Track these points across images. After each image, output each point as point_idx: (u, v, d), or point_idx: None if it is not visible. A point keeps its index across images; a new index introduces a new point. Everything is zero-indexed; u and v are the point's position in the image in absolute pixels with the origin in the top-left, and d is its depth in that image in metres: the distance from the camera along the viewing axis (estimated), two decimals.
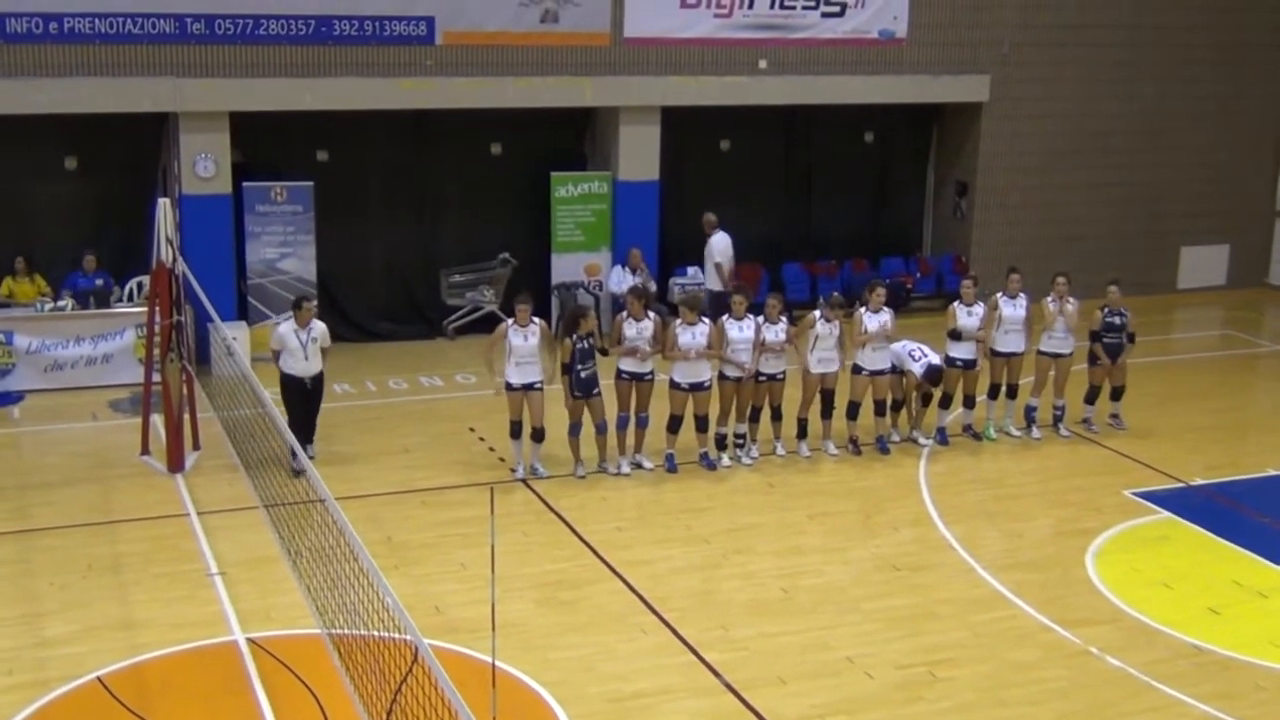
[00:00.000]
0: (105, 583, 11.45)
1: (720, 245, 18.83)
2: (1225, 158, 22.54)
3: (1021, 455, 15.09)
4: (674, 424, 14.05)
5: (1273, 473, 14.57)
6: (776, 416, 14.54)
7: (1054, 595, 11.53)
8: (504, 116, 18.94)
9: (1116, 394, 15.67)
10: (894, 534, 12.87)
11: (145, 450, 14.49)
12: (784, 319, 14.23)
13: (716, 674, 10.20)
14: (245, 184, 17.83)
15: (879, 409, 14.80)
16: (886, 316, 14.55)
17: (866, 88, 20.18)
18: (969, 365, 14.92)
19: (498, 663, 8.91)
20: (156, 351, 14.14)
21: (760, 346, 13.99)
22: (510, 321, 13.63)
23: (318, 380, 13.81)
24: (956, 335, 14.86)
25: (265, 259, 18.00)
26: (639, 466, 14.15)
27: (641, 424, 14.04)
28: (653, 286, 19.16)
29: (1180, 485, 14.20)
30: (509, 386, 13.56)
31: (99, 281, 17.09)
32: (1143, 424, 15.75)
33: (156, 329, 14.03)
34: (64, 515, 12.80)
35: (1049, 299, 15.34)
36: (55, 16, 16.64)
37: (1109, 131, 21.64)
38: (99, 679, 9.97)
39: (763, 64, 19.67)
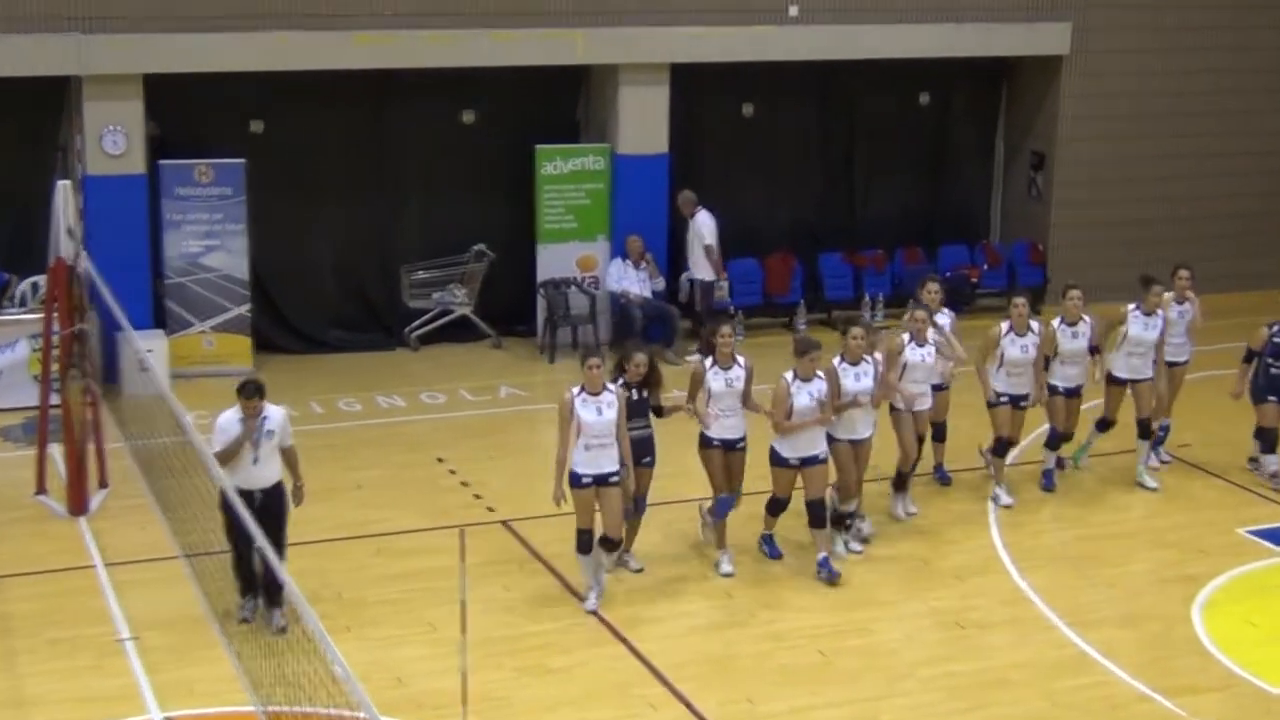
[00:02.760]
0: None
1: (710, 225, 19.03)
2: None
3: (1111, 486, 15.06)
4: (775, 508, 13.02)
5: None
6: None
7: (1153, 656, 11.50)
8: (478, 78, 18.96)
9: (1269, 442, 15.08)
10: (957, 584, 12.85)
11: (41, 489, 14.41)
12: (870, 356, 13.16)
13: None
14: (163, 162, 17.83)
15: (936, 433, 14.70)
16: (947, 319, 14.36)
17: (920, 39, 20.15)
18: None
19: None
20: (55, 368, 14.11)
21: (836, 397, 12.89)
22: (576, 389, 12.13)
23: (274, 496, 11.45)
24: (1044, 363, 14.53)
25: (187, 253, 17.98)
26: (717, 568, 12.94)
27: (724, 509, 12.93)
28: (661, 284, 19.17)
29: None
30: (576, 480, 12.05)
31: None
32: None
33: (55, 340, 13.99)
34: None
35: (1169, 296, 15.07)
36: None
37: (1218, 89, 21.66)
38: None
39: (793, 10, 19.67)
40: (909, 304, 14.75)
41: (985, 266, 21.28)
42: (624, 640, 11.77)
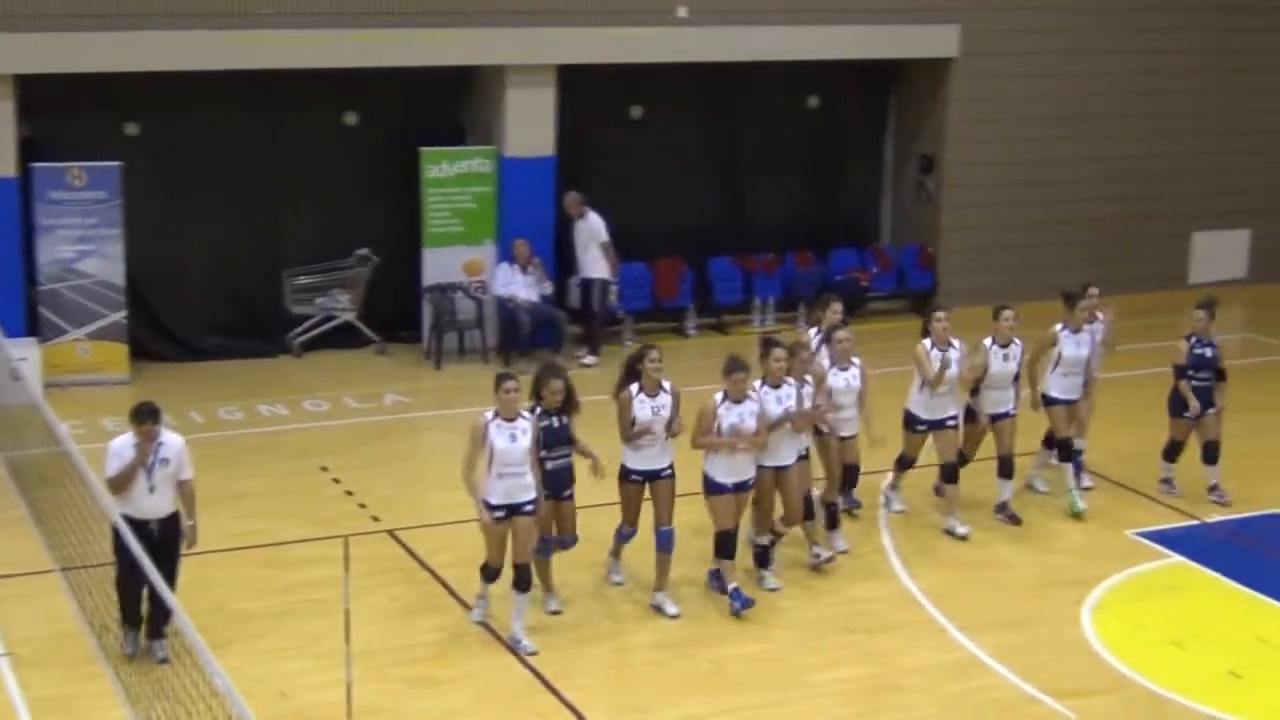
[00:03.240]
0: None
1: (600, 225, 19.18)
2: (1243, 124, 23.00)
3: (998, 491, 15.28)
4: (724, 543, 12.22)
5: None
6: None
7: (1043, 659, 11.66)
8: (361, 79, 18.93)
9: (1210, 454, 14.78)
10: (848, 589, 12.96)
11: None
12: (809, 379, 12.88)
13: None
14: (34, 165, 17.63)
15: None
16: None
17: (808, 41, 20.33)
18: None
19: None
20: None
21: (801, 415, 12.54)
22: (490, 413, 11.53)
23: (169, 526, 10.95)
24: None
25: (61, 259, 17.79)
26: (659, 610, 12.31)
27: (664, 544, 12.25)
28: (548, 288, 19.21)
29: (1193, 523, 14.47)
30: (489, 508, 11.53)
31: None
32: (1145, 447, 15.85)
33: None
34: None
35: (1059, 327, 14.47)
36: None
37: (1101, 93, 22.03)
38: None
39: (682, 12, 19.76)
40: (802, 320, 14.73)
41: (875, 270, 21.49)
42: (511, 651, 11.80)
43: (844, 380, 13.16)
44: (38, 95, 17.49)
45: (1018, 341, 14.03)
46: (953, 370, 13.56)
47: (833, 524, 13.44)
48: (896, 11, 20.69)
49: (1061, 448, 14.40)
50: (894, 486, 14.53)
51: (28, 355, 16.28)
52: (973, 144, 21.53)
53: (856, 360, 13.30)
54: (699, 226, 20.91)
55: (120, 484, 10.66)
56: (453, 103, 20.05)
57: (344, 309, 19.26)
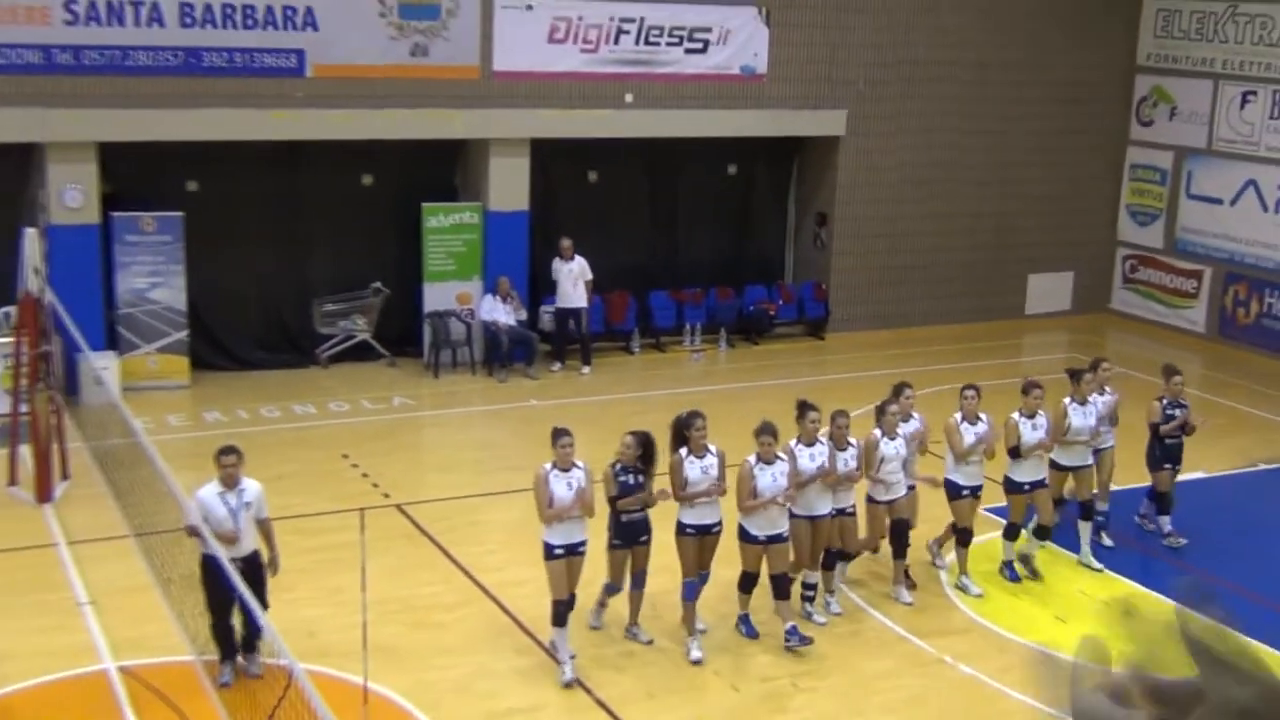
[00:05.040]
0: None
1: (584, 265, 19.11)
2: (1068, 190, 23.22)
3: None
4: (746, 582, 11.15)
5: (1114, 488, 14.99)
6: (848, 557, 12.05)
7: (913, 610, 11.77)
8: (375, 148, 18.87)
9: (1165, 506, 13.60)
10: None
11: (13, 481, 14.13)
12: (853, 443, 11.60)
13: (588, 691, 10.27)
14: (114, 214, 17.50)
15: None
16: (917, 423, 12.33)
17: (729, 121, 20.44)
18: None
19: (371, 685, 8.89)
20: (24, 382, 13.83)
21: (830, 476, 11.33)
22: (549, 465, 10.54)
23: (253, 562, 10.04)
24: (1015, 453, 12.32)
25: (135, 289, 17.68)
26: (687, 655, 10.88)
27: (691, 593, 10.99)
28: (523, 314, 19.21)
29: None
30: (549, 553, 10.46)
31: None
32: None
33: (23, 359, 13.73)
34: None
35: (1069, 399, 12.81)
36: None
37: (958, 164, 22.16)
38: None
39: (629, 98, 19.84)
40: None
41: (780, 302, 21.56)
42: (495, 599, 11.80)
43: (893, 449, 11.70)
44: (116, 159, 17.37)
45: (1043, 414, 12.39)
46: (980, 436, 12.00)
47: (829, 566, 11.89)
48: (797, 100, 20.79)
49: (1084, 508, 12.82)
50: (963, 570, 12.44)
51: (108, 365, 16.17)
52: (856, 203, 21.64)
53: (902, 430, 11.84)
54: (641, 266, 20.93)
55: (224, 539, 9.66)
56: (448, 168, 20.03)
57: (361, 330, 19.19)
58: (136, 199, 17.74)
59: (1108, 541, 13.26)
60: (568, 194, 20.50)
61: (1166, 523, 13.53)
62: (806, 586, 11.51)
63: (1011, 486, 12.31)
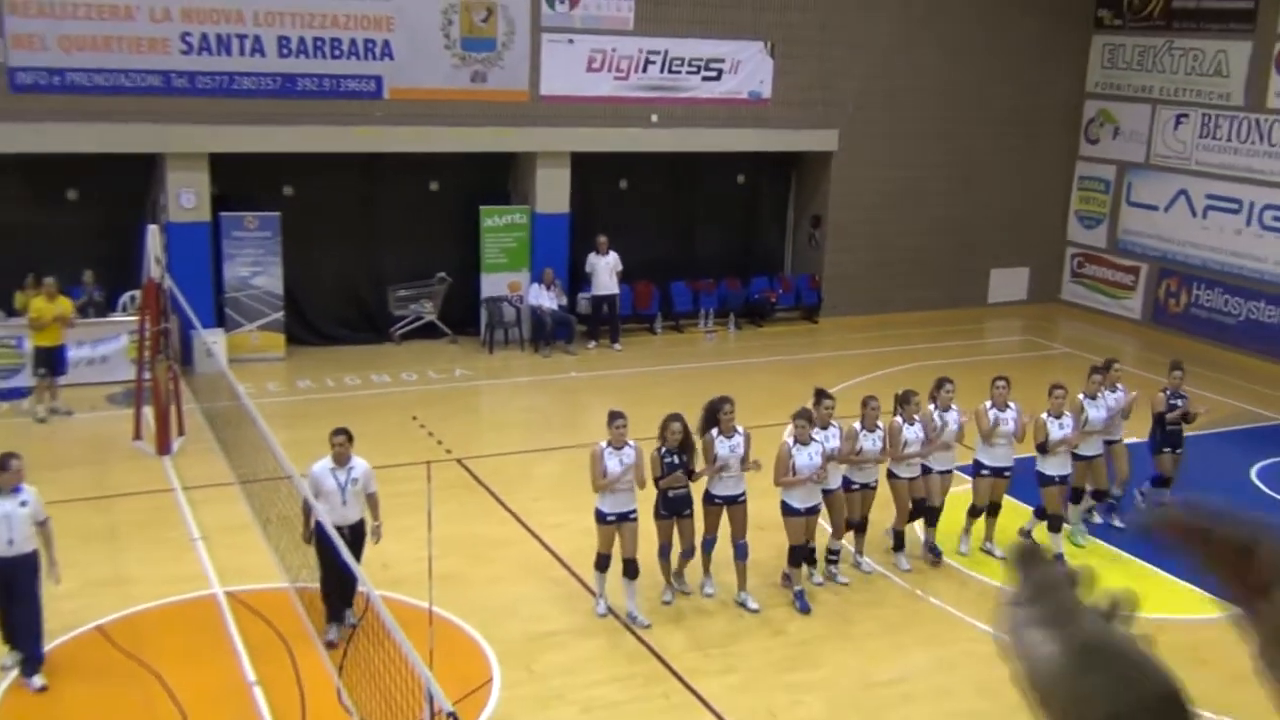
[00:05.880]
0: (103, 548, 11.26)
1: (616, 259, 19.08)
2: (1025, 197, 23.05)
3: None
4: (797, 554, 10.65)
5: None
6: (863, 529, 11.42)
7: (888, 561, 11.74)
8: (441, 159, 18.86)
9: (1167, 483, 12.69)
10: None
11: (137, 436, 14.24)
12: (880, 427, 11.07)
13: (616, 616, 10.30)
14: (222, 214, 17.56)
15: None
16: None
17: (738, 139, 20.34)
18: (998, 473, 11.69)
19: (435, 608, 8.92)
20: (147, 353, 13.92)
21: (855, 456, 10.95)
22: (603, 443, 10.19)
23: (357, 532, 9.71)
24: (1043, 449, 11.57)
25: (240, 276, 17.74)
26: (743, 605, 10.55)
27: (742, 554, 10.53)
28: (564, 300, 19.22)
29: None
30: (601, 517, 10.27)
31: (97, 294, 16.77)
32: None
33: (147, 334, 13.81)
34: (68, 491, 12.52)
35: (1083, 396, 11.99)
36: (59, 71, 16.30)
37: (932, 176, 22.00)
38: (98, 627, 9.82)
39: (654, 119, 19.78)
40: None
41: (780, 291, 21.52)
42: (539, 539, 11.84)
43: (913, 433, 11.20)
44: (225, 167, 17.41)
45: (1070, 416, 11.64)
46: (1010, 428, 11.45)
47: (899, 547, 11.51)
48: (796, 121, 20.67)
49: (1076, 495, 12.08)
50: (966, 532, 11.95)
51: (217, 340, 16.27)
52: (845, 208, 21.55)
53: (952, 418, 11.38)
54: (663, 259, 20.89)
55: (313, 501, 9.30)
56: (501, 176, 20.00)
57: (428, 312, 19.23)
58: (241, 201, 17.80)
59: (1119, 523, 12.27)
60: (602, 199, 20.45)
61: (1166, 495, 12.61)
62: (830, 552, 11.13)
63: (1044, 480, 11.56)
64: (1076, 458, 11.73)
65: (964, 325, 21.65)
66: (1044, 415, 11.48)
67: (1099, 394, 12.00)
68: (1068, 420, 11.50)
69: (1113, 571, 10.82)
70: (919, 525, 11.63)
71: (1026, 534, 11.67)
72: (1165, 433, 12.67)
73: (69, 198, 17.55)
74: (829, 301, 21.62)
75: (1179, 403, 12.68)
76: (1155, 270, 22.00)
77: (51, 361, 14.97)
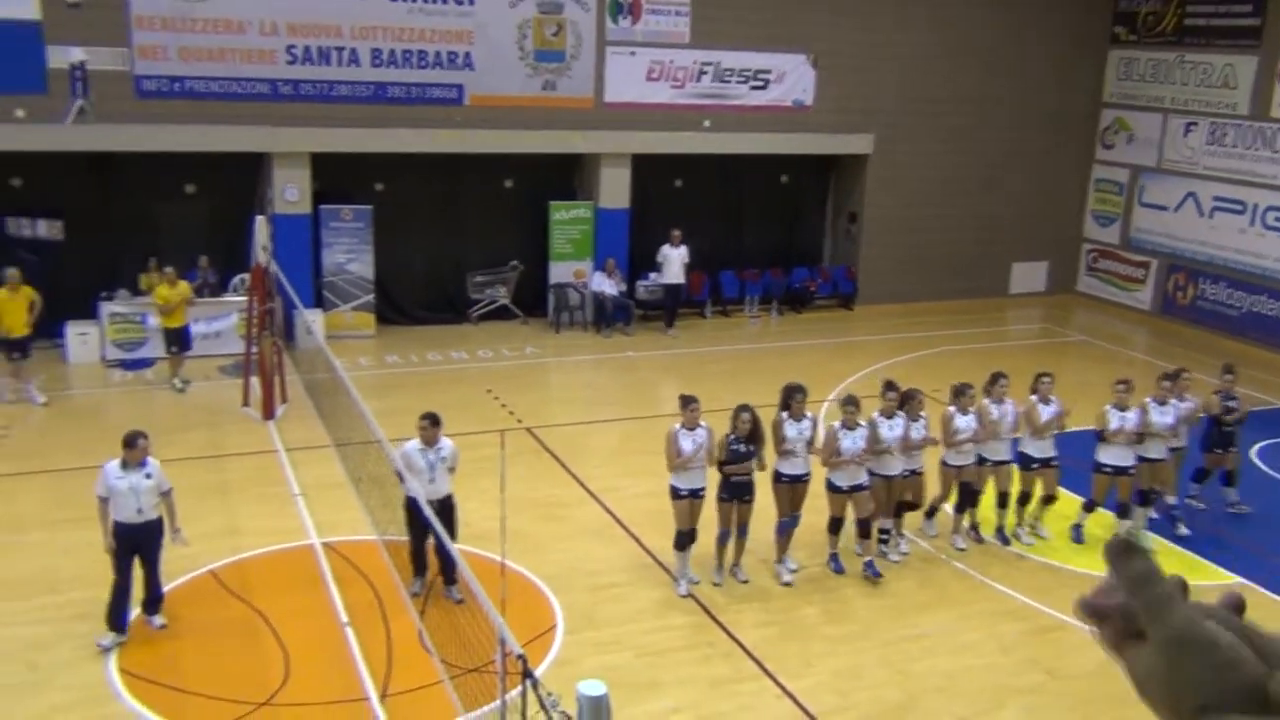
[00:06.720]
0: (215, 501, 11.42)
1: (686, 251, 18.96)
2: (1045, 197, 22.65)
3: None
4: (835, 525, 10.44)
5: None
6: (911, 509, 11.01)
7: (969, 553, 11.57)
8: (514, 159, 18.85)
9: (1230, 479, 12.11)
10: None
11: (246, 403, 14.41)
12: (924, 415, 10.67)
13: (667, 571, 10.28)
14: (321, 207, 17.69)
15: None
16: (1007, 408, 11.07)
17: (782, 142, 20.14)
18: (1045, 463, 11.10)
19: (507, 561, 8.96)
20: (254, 330, 14.08)
21: (905, 444, 10.49)
22: (678, 425, 9.87)
23: (446, 504, 9.44)
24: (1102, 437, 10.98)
25: (336, 262, 17.88)
26: (778, 579, 10.30)
27: (786, 528, 10.29)
28: (623, 286, 19.18)
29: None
30: (676, 494, 9.93)
31: (211, 277, 17.00)
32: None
33: (254, 313, 13.96)
34: (187, 450, 12.73)
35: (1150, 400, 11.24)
36: (179, 78, 16.50)
37: (959, 176, 21.69)
38: (211, 572, 9.97)
39: (707, 124, 19.64)
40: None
41: (819, 280, 21.34)
42: (600, 501, 11.84)
43: (966, 422, 10.77)
44: (324, 165, 17.53)
45: (1135, 407, 11.06)
46: (1051, 420, 10.96)
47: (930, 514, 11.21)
48: (835, 126, 20.46)
49: (1143, 496, 11.36)
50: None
51: (316, 319, 16.40)
52: (879, 205, 21.30)
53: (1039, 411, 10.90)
54: (713, 251, 20.75)
55: (405, 478, 9.18)
56: (569, 175, 19.97)
57: (502, 297, 19.27)
58: (338, 195, 17.92)
59: (1184, 530, 11.50)
60: (659, 196, 20.35)
61: (1233, 493, 12.17)
62: (882, 531, 10.74)
63: (1096, 467, 11.02)
64: (1141, 460, 11.04)
65: (986, 314, 21.34)
66: (1106, 406, 10.96)
67: (1168, 400, 11.22)
68: (1131, 415, 10.88)
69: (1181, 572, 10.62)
70: (948, 507, 11.18)
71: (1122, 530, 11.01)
72: (1221, 433, 11.99)
73: (187, 191, 17.77)
74: (863, 290, 21.40)
75: (1233, 404, 11.94)
76: (1165, 265, 21.54)
77: (179, 339, 15.20)
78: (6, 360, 14.26)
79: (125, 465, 8.77)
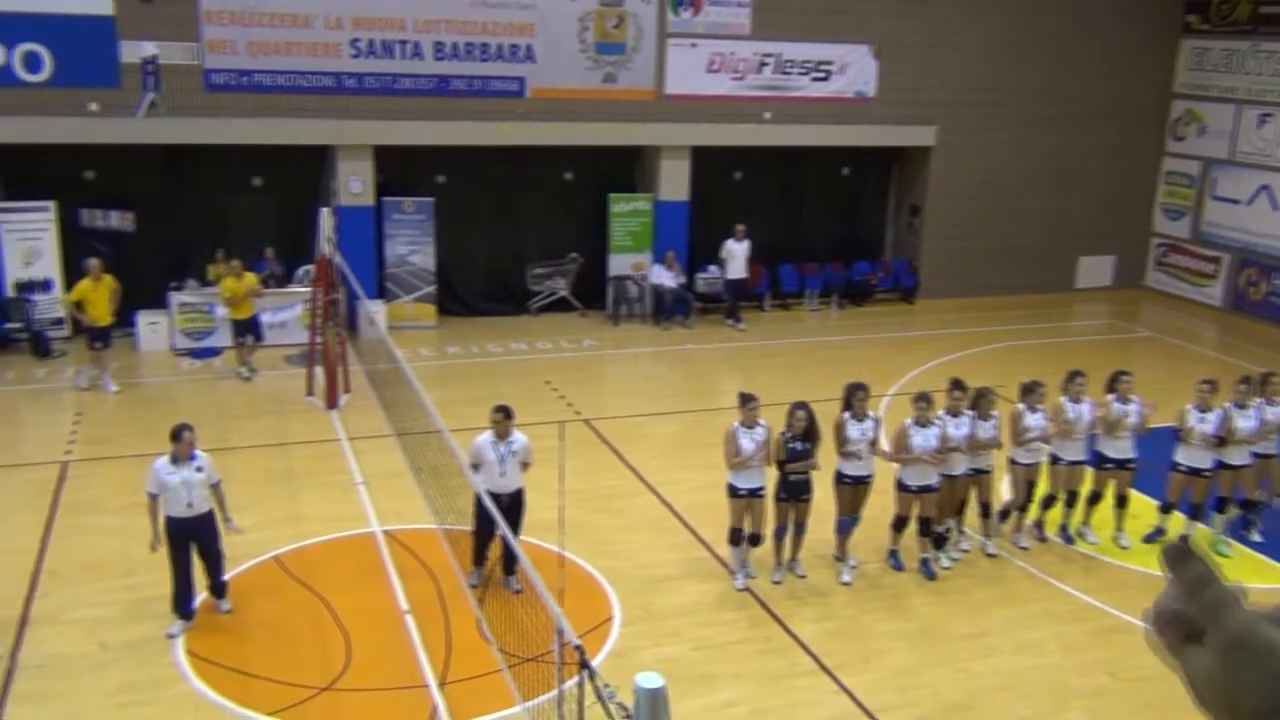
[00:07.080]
0: (280, 488, 11.58)
1: (749, 245, 18.84)
2: (1112, 190, 22.19)
3: None
4: (899, 524, 10.28)
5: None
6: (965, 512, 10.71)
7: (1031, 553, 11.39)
8: (575, 151, 18.87)
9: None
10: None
11: (310, 392, 14.58)
12: (995, 414, 10.31)
13: (724, 565, 10.25)
14: (384, 199, 17.87)
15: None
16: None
17: (844, 134, 19.93)
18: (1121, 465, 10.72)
19: (565, 552, 8.99)
20: (318, 320, 14.24)
21: (972, 443, 10.18)
22: (736, 423, 9.73)
23: (516, 499, 9.39)
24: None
25: (399, 254, 18.05)
26: (839, 578, 10.14)
27: (845, 528, 10.15)
28: (683, 279, 19.15)
29: None
30: (733, 492, 9.82)
31: (277, 268, 17.24)
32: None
33: (319, 304, 14.12)
34: (254, 438, 12.95)
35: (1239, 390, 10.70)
36: (247, 72, 16.75)
37: (1024, 169, 21.32)
38: (275, 558, 10.12)
39: (767, 116, 19.51)
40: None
41: (880, 274, 21.13)
42: (657, 494, 11.83)
43: (1035, 420, 10.49)
44: (387, 157, 17.70)
45: (1211, 410, 10.58)
46: (1134, 420, 10.56)
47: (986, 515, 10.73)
48: (898, 118, 20.20)
49: (1238, 503, 11.04)
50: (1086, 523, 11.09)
51: (379, 309, 16.59)
52: (942, 199, 21.02)
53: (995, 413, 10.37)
54: (773, 244, 20.59)
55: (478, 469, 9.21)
56: (629, 167, 19.96)
57: (562, 289, 19.33)
58: (401, 187, 18.07)
59: (1256, 536, 11.05)
60: (719, 188, 20.24)
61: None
62: (944, 532, 10.51)
63: (1172, 466, 10.66)
64: (1222, 466, 10.62)
65: (1052, 309, 20.97)
66: (1188, 406, 10.58)
67: (1250, 404, 10.66)
68: (1212, 417, 10.45)
69: (1258, 578, 10.25)
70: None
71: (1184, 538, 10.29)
72: None
73: (254, 183, 18.04)
74: (925, 284, 21.14)
75: None
76: (1236, 260, 20.99)
77: (252, 329, 15.41)
78: (88, 348, 14.59)
79: (175, 460, 8.80)
